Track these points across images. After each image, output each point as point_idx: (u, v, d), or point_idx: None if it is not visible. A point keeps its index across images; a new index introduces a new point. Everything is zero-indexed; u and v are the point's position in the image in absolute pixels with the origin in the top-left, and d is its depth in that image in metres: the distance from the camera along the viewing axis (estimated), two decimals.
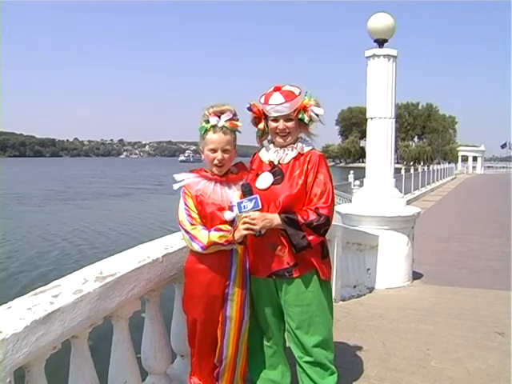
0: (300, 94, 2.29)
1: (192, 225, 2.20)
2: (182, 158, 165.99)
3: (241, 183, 2.29)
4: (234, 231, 2.15)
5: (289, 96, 2.25)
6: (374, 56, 5.60)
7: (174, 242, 2.50)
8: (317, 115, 2.29)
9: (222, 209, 2.24)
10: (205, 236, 2.15)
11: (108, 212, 23.19)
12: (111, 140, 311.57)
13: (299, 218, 2.18)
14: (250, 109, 2.34)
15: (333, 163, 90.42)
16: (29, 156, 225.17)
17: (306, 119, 2.28)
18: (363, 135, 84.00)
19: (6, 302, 1.75)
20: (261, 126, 2.35)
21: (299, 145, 2.33)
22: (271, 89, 2.31)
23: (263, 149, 2.43)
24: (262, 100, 2.30)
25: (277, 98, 2.25)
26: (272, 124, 2.31)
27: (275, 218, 2.18)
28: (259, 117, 2.35)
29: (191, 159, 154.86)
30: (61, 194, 33.19)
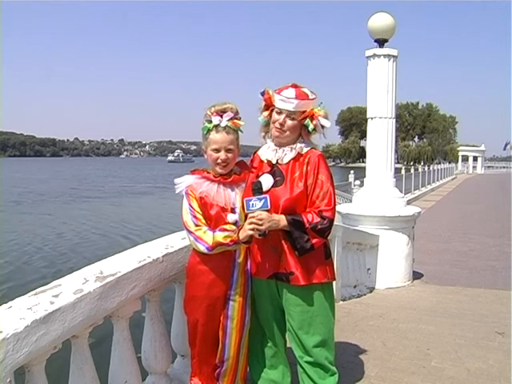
0: (314, 99, 2.27)
1: (197, 226, 2.18)
2: (170, 157, 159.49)
3: (243, 184, 2.29)
4: (239, 231, 2.14)
5: (301, 95, 2.24)
6: (374, 56, 5.60)
7: (174, 242, 2.49)
8: (322, 127, 2.27)
9: (225, 210, 2.23)
10: (210, 237, 2.14)
11: (142, 209, 23.75)
12: (111, 140, 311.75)
13: (305, 220, 2.16)
14: (262, 93, 2.32)
15: (333, 163, 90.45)
16: (29, 156, 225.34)
17: (311, 127, 2.25)
18: (363, 135, 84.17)
19: (6, 302, 1.75)
20: (265, 113, 2.34)
21: (298, 145, 2.30)
22: (289, 83, 2.30)
23: (262, 147, 2.41)
24: (277, 91, 2.29)
25: (290, 92, 2.24)
26: (275, 116, 2.28)
27: (282, 220, 2.16)
28: (268, 105, 2.33)
29: (181, 159, 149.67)
30: (79, 192, 34.04)
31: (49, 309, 1.74)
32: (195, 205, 2.22)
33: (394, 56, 5.61)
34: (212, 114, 2.23)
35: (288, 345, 2.51)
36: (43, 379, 1.81)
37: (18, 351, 1.60)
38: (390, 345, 3.69)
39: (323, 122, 2.26)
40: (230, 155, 2.23)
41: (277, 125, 2.27)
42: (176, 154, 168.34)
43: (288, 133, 2.28)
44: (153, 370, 2.45)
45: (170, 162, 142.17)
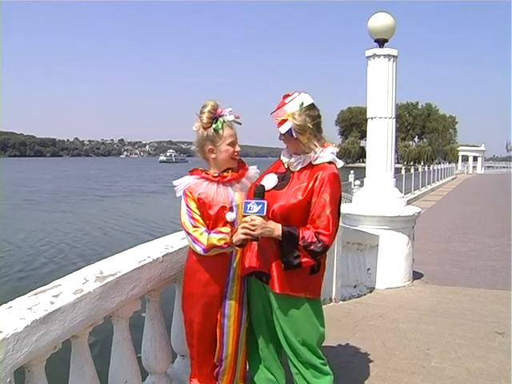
0: (289, 101, 2.17)
1: (194, 227, 2.19)
2: (162, 158, 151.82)
3: (243, 180, 2.30)
4: (233, 234, 2.13)
5: (278, 105, 2.22)
6: (374, 56, 5.60)
7: (174, 242, 2.49)
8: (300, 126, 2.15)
9: (225, 209, 2.23)
10: (205, 238, 2.15)
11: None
12: (111, 140, 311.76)
13: (300, 235, 2.08)
14: None
15: None
16: (29, 156, 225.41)
17: (279, 126, 2.17)
18: (363, 135, 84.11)
19: (6, 302, 1.75)
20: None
21: (312, 155, 2.20)
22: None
23: (285, 149, 2.36)
24: None
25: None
26: None
27: (277, 229, 2.09)
28: None
29: (173, 159, 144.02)
30: (91, 192, 34.26)
31: (49, 309, 1.74)
32: (193, 206, 2.22)
33: (394, 56, 5.61)
34: (215, 112, 2.24)
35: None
36: (43, 379, 1.81)
37: (18, 351, 1.60)
38: (390, 345, 3.69)
39: (281, 128, 2.16)
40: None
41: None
42: (168, 154, 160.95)
43: (291, 146, 2.24)
44: (153, 370, 2.45)
45: (162, 162, 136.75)
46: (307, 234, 2.08)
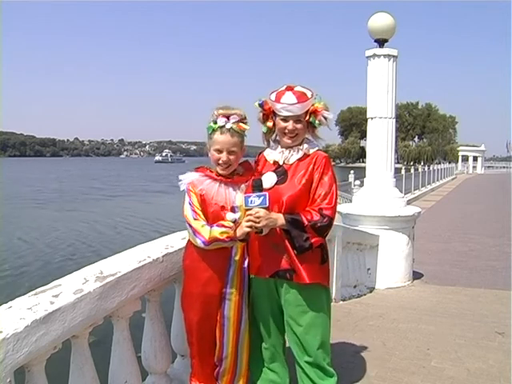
0: (312, 96, 2.28)
1: (195, 219, 2.20)
2: (157, 158, 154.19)
3: (247, 183, 2.30)
4: (237, 228, 2.16)
5: (301, 97, 2.25)
6: (374, 56, 5.60)
7: (174, 242, 2.50)
8: (325, 119, 2.31)
9: (224, 209, 2.24)
10: (207, 231, 2.16)
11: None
12: (111, 140, 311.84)
13: (303, 219, 2.17)
14: (261, 105, 2.33)
15: (333, 163, 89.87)
16: (29, 156, 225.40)
17: (317, 123, 2.29)
18: (363, 135, 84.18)
19: (6, 302, 1.75)
20: (270, 124, 2.34)
21: (305, 146, 2.32)
22: (283, 87, 2.31)
23: (268, 149, 2.42)
24: (273, 97, 2.28)
25: (289, 97, 2.25)
26: (281, 123, 2.29)
27: (279, 218, 2.17)
28: (268, 114, 2.34)
29: (169, 159, 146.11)
30: (98, 191, 34.62)
31: (49, 309, 1.74)
32: (195, 200, 2.24)
33: (394, 56, 5.61)
34: (219, 115, 2.24)
35: (287, 344, 2.51)
36: (43, 379, 1.81)
37: (18, 351, 1.60)
38: (390, 345, 3.69)
39: (326, 114, 2.30)
40: (231, 157, 2.24)
41: (286, 131, 2.29)
42: (164, 154, 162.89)
43: (299, 136, 2.31)
44: (153, 370, 2.45)
45: (157, 162, 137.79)
46: (309, 214, 2.18)
